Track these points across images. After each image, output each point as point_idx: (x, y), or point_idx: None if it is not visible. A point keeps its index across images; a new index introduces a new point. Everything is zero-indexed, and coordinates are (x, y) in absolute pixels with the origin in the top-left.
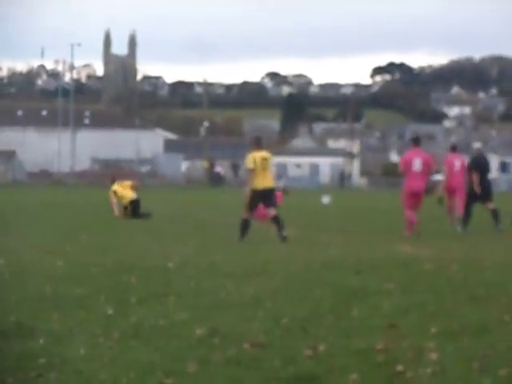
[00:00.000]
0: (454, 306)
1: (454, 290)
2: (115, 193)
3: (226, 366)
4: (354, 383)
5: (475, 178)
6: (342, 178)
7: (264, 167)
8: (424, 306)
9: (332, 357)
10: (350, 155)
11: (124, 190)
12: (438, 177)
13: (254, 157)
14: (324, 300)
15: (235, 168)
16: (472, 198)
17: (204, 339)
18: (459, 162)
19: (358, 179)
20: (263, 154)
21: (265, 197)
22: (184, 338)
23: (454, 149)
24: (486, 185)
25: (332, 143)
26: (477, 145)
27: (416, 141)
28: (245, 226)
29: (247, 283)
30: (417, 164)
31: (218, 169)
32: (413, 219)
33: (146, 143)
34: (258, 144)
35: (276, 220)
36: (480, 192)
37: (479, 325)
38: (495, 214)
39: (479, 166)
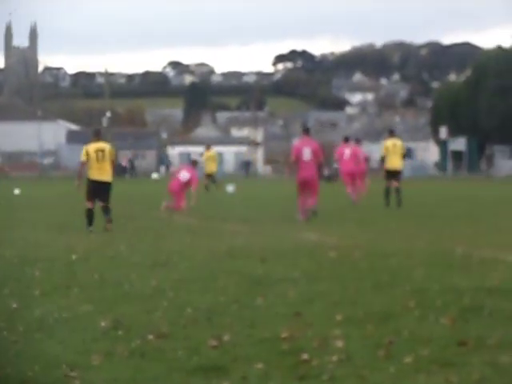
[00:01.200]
0: (359, 293)
1: (359, 278)
2: None
3: (130, 358)
4: (259, 372)
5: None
6: (247, 166)
7: (99, 159)
8: (329, 293)
9: (237, 346)
10: (253, 143)
11: None
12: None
13: (88, 149)
14: (228, 289)
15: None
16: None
17: (108, 331)
18: (349, 150)
19: (262, 167)
20: (99, 145)
21: (99, 188)
22: (88, 331)
23: (346, 140)
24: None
25: (236, 132)
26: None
27: (306, 131)
28: (89, 215)
29: (151, 274)
30: (306, 153)
31: (124, 161)
32: (305, 206)
33: (49, 135)
34: (96, 136)
35: (106, 209)
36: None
37: (384, 312)
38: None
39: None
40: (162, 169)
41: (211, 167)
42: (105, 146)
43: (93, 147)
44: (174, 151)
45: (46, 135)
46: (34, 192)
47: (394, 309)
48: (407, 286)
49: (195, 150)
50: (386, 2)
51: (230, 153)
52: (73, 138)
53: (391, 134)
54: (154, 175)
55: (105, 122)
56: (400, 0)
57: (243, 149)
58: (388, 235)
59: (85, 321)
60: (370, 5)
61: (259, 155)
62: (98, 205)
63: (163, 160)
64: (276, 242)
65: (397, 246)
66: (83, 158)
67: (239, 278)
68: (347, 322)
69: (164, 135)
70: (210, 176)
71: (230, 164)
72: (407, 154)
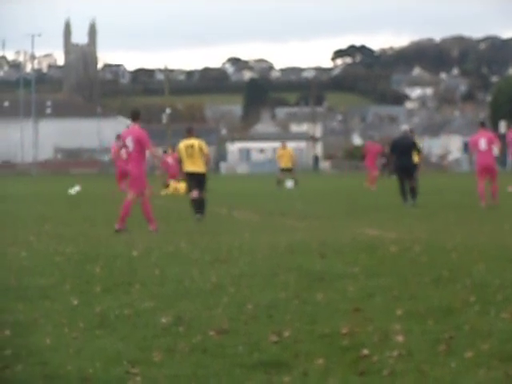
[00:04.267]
0: (419, 288)
1: (419, 273)
2: None
3: (191, 354)
4: (319, 368)
5: (390, 158)
6: (316, 162)
7: (190, 154)
8: (389, 288)
9: (297, 342)
10: (312, 139)
11: None
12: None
13: (180, 145)
14: (288, 285)
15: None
16: (399, 176)
17: (169, 327)
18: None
19: (321, 163)
20: (190, 141)
21: (194, 179)
22: (149, 327)
23: (482, 125)
24: (406, 164)
25: (295, 127)
26: (404, 127)
27: (482, 124)
28: (195, 204)
29: (211, 270)
30: (483, 143)
31: None
32: (483, 192)
33: (109, 132)
34: (188, 132)
35: (198, 202)
36: (400, 171)
37: (444, 307)
38: (413, 191)
39: (396, 147)
40: (223, 165)
41: (287, 163)
42: (194, 141)
43: (184, 143)
44: (234, 147)
45: (105, 132)
46: (94, 188)
47: (454, 304)
48: (467, 280)
49: (254, 146)
50: None
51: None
52: None
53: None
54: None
55: (164, 118)
56: None
57: (302, 144)
58: (448, 229)
59: (146, 317)
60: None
61: (318, 150)
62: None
63: (222, 156)
64: (335, 238)
65: (457, 241)
66: (179, 154)
67: (299, 273)
68: (407, 317)
69: (223, 131)
70: (285, 171)
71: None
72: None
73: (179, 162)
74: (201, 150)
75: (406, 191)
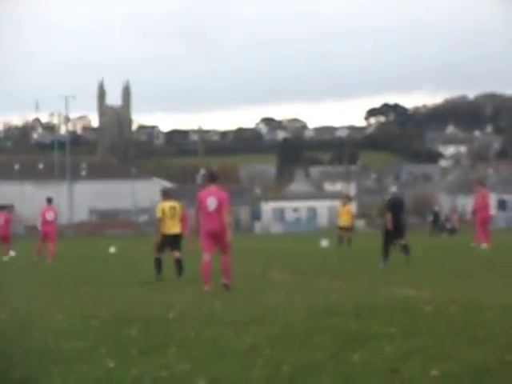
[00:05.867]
0: (455, 348)
1: (454, 332)
2: None
3: None
4: None
5: (388, 217)
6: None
7: (172, 215)
8: (425, 349)
9: None
10: (347, 198)
11: None
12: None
13: (163, 207)
14: (324, 346)
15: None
16: (388, 235)
17: None
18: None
19: (356, 221)
20: (171, 203)
21: (171, 241)
22: None
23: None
24: (399, 223)
25: (329, 186)
26: (393, 188)
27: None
28: (158, 265)
29: (246, 331)
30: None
31: None
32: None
33: (144, 193)
34: (166, 195)
35: (178, 262)
36: (394, 230)
37: (480, 367)
38: (406, 248)
39: (392, 207)
40: (257, 224)
41: (345, 221)
42: (175, 203)
43: (167, 205)
44: (268, 206)
45: (140, 193)
46: (130, 250)
47: (490, 363)
48: (503, 339)
49: (288, 205)
50: (476, 54)
51: (323, 207)
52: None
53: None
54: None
55: (199, 179)
56: (491, 51)
57: (336, 203)
58: (484, 288)
59: (182, 379)
60: (460, 57)
61: (353, 209)
62: (173, 256)
63: (257, 215)
64: (371, 297)
65: (493, 299)
66: (159, 214)
67: (335, 334)
68: (444, 378)
69: (257, 191)
70: (342, 229)
71: (323, 218)
72: (502, 206)
73: (158, 222)
74: (180, 212)
75: (390, 252)
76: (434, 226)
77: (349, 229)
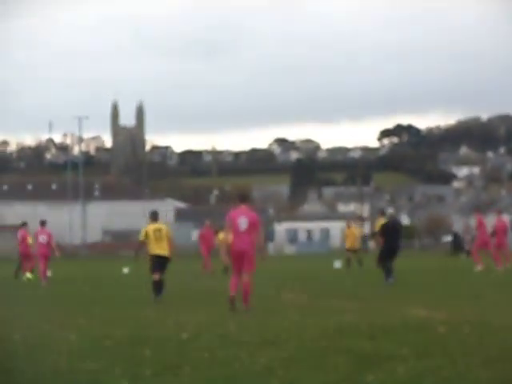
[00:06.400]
0: (469, 368)
1: (468, 353)
2: None
3: None
4: None
5: (380, 239)
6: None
7: (158, 237)
8: (438, 370)
9: None
10: (360, 219)
11: None
12: None
13: (147, 229)
14: (338, 367)
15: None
16: (382, 254)
17: None
18: None
19: (369, 242)
20: (157, 226)
21: (157, 262)
22: None
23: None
24: (395, 246)
25: (342, 207)
26: (389, 211)
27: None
28: (156, 286)
29: (260, 352)
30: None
31: None
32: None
33: None
34: (153, 217)
35: (158, 284)
36: (390, 250)
37: None
38: (390, 270)
39: (388, 229)
40: (270, 245)
41: (351, 242)
42: (161, 226)
43: (151, 228)
44: (281, 227)
45: None
46: (143, 270)
47: None
48: None
49: (302, 226)
50: (489, 76)
51: (336, 228)
52: (181, 216)
53: None
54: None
55: (212, 199)
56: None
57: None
58: (498, 309)
59: None
60: (473, 79)
61: (366, 230)
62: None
63: (270, 236)
64: (385, 318)
65: (506, 320)
66: (142, 237)
67: (349, 355)
68: None
69: (271, 211)
70: (350, 251)
71: (336, 239)
72: None
73: (141, 244)
74: (167, 234)
75: (391, 269)
76: (453, 246)
77: (355, 250)
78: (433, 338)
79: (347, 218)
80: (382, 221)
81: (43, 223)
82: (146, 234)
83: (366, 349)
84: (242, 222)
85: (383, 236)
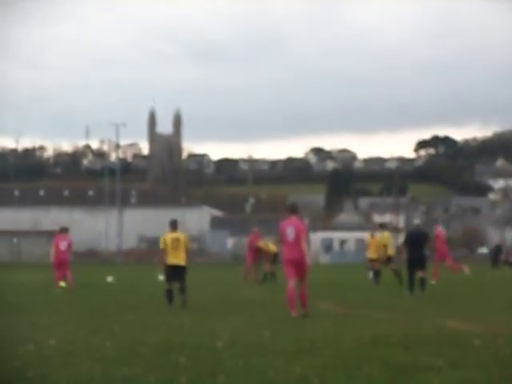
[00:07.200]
0: (503, 381)
1: (502, 365)
2: None
3: None
4: None
5: (403, 250)
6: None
7: (175, 247)
8: (472, 381)
9: None
10: (395, 230)
11: None
12: None
13: (165, 238)
14: (373, 377)
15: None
16: (409, 266)
17: None
18: None
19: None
20: (175, 235)
21: (174, 272)
22: None
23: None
24: (419, 256)
25: (377, 218)
26: (416, 221)
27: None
28: (168, 295)
29: (295, 361)
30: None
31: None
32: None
33: (193, 221)
34: (172, 226)
35: (170, 293)
36: (414, 261)
37: None
38: (423, 281)
39: (411, 239)
40: None
41: (373, 252)
42: (180, 235)
43: (169, 236)
44: (316, 236)
45: (190, 221)
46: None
47: None
48: None
49: (337, 236)
50: None
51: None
52: (217, 224)
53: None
54: None
55: (248, 207)
56: None
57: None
58: None
59: None
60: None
61: (401, 241)
62: (176, 286)
63: None
64: (419, 329)
65: None
66: (162, 245)
67: (383, 365)
68: None
69: (306, 221)
70: (372, 261)
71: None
72: None
73: (161, 253)
74: (185, 243)
75: (414, 283)
76: (495, 258)
77: (376, 260)
78: (467, 349)
79: (372, 226)
80: (385, 234)
81: (63, 230)
82: (165, 243)
83: (401, 360)
84: (290, 233)
85: (406, 246)
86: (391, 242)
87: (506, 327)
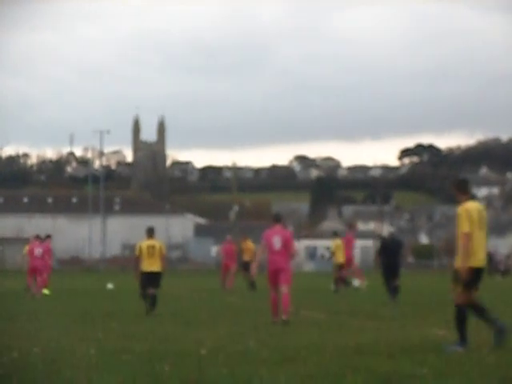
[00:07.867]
0: None
1: (486, 373)
2: None
3: None
4: None
5: (377, 259)
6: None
7: (151, 254)
8: None
9: None
10: (379, 237)
11: None
12: None
13: (141, 245)
14: None
15: None
16: (384, 273)
17: None
18: None
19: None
20: (151, 242)
21: (149, 278)
22: None
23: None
24: (393, 264)
25: (361, 225)
26: (390, 230)
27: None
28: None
29: (279, 369)
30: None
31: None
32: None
33: (177, 228)
34: (148, 234)
35: (153, 297)
36: (388, 270)
37: None
38: (396, 289)
39: (385, 248)
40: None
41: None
42: (155, 242)
43: (145, 244)
44: (300, 244)
45: (173, 229)
46: (162, 285)
47: None
48: None
49: (321, 243)
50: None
51: (355, 246)
52: (201, 231)
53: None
54: None
55: (232, 215)
56: None
57: (369, 242)
58: None
59: None
60: (494, 99)
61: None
62: (148, 291)
63: None
64: (404, 338)
65: None
66: (137, 252)
67: (367, 374)
68: None
69: (290, 228)
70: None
71: (356, 258)
72: None
73: (136, 260)
74: (161, 251)
75: (393, 288)
76: (488, 267)
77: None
78: (452, 358)
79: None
80: (337, 242)
81: (40, 237)
82: (140, 250)
83: (385, 368)
84: (276, 241)
85: (380, 254)
86: (341, 250)
87: (491, 336)
